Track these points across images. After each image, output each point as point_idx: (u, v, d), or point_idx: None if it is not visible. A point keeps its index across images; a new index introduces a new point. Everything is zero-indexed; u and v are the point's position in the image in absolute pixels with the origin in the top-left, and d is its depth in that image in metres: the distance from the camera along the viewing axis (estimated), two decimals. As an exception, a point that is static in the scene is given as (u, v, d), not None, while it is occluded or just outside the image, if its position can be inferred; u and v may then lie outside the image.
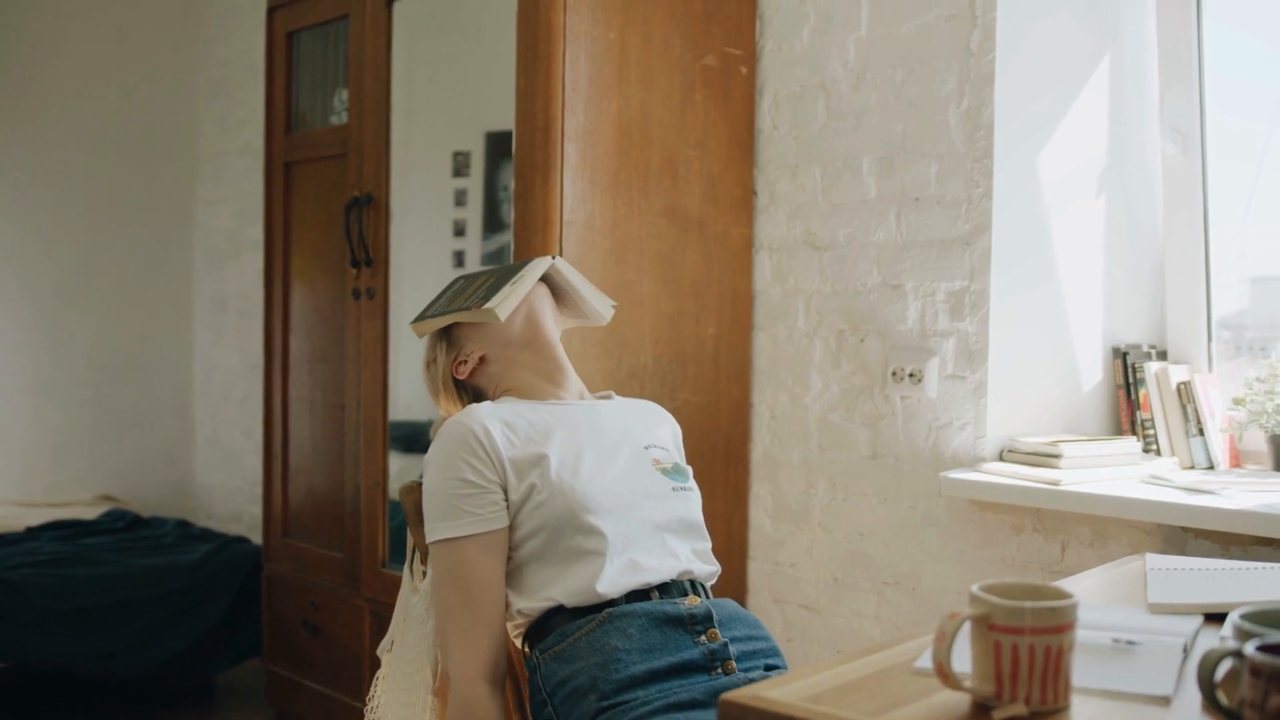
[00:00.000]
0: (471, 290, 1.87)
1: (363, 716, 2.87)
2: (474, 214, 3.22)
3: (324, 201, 3.06)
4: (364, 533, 2.90)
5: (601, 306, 1.95)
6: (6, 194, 4.15)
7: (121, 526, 3.86)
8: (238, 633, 3.51)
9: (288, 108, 3.24)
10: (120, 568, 3.39)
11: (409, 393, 3.00)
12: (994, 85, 2.38)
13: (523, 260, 1.89)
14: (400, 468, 3.00)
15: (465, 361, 1.84)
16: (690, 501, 1.77)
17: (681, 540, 1.73)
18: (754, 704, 1.08)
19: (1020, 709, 1.03)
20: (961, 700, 1.08)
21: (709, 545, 1.78)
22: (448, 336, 1.86)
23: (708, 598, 1.71)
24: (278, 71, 3.25)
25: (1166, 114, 2.52)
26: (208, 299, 4.54)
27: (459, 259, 3.26)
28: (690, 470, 1.83)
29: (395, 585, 2.80)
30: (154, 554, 3.56)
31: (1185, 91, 2.49)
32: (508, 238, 2.85)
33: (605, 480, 1.70)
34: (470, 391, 1.88)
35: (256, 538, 3.87)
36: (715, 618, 1.64)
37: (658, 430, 1.87)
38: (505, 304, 1.77)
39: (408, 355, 2.95)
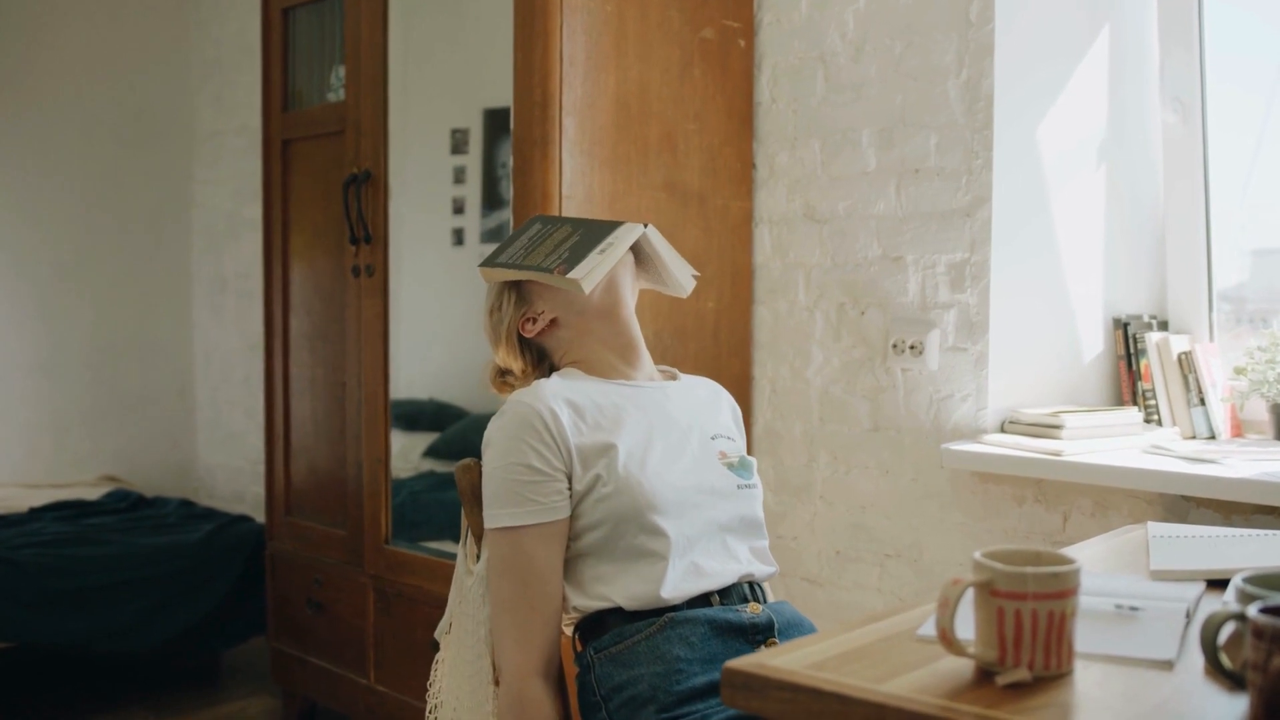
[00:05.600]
0: (552, 246, 1.75)
1: (367, 692, 2.91)
2: (473, 191, 3.21)
3: (322, 179, 3.05)
4: (367, 510, 2.90)
5: (684, 278, 1.84)
6: (3, 176, 4.14)
7: (125, 507, 3.87)
8: (242, 611, 3.52)
9: (284, 86, 3.22)
10: (124, 547, 3.39)
11: (410, 370, 3.00)
12: (993, 56, 2.37)
13: (612, 221, 1.79)
14: (402, 445, 3.01)
15: (534, 320, 1.74)
16: (754, 499, 1.73)
17: (742, 540, 1.70)
18: (758, 671, 1.08)
19: (1024, 674, 1.03)
20: (965, 666, 1.08)
21: (767, 543, 1.75)
22: (519, 289, 1.75)
23: (765, 601, 1.68)
24: (273, 49, 3.23)
25: (1167, 83, 2.51)
26: (207, 279, 4.53)
27: (458, 236, 3.26)
28: (754, 463, 1.78)
29: (398, 562, 2.82)
30: (157, 533, 3.57)
31: (1186, 60, 2.47)
32: (507, 214, 2.85)
33: (672, 475, 1.64)
34: (534, 350, 1.78)
35: (259, 516, 3.88)
36: (775, 626, 1.61)
37: (722, 415, 1.82)
38: (591, 276, 1.67)
39: (409, 332, 2.95)
